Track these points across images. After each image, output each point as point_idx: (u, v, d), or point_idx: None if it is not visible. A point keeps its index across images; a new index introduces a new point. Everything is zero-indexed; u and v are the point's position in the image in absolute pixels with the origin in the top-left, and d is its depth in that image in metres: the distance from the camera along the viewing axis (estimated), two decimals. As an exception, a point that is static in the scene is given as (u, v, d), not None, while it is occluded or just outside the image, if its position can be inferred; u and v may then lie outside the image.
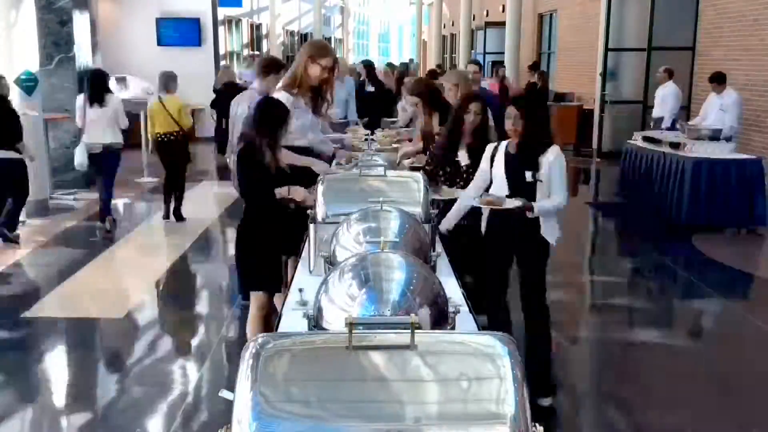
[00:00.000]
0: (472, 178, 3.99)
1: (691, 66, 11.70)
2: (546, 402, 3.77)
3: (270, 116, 3.60)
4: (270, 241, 3.69)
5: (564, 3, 17.00)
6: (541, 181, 3.61)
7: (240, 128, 4.03)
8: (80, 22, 9.87)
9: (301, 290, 2.55)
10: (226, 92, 9.39)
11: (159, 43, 14.76)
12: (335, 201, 3.07)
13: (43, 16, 9.30)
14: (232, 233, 6.71)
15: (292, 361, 1.38)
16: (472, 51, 23.47)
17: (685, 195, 7.67)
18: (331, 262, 2.49)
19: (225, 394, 1.41)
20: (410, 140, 5.57)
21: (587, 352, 4.94)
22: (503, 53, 17.24)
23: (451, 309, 1.97)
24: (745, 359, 4.66)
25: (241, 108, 4.89)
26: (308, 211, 3.18)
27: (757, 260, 7.14)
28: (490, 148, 3.84)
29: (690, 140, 8.19)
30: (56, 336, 5.00)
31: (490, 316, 3.85)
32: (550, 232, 3.72)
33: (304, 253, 3.21)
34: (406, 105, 6.26)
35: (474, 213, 3.93)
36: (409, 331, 1.35)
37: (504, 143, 3.78)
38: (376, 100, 8.98)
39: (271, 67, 4.97)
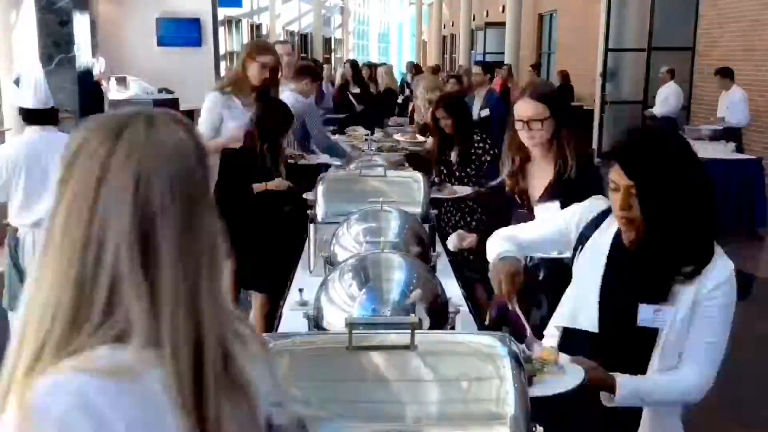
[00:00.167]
0: (462, 175, 4.08)
1: (691, 66, 11.70)
2: None
3: (271, 119, 3.56)
4: (262, 241, 3.67)
5: (564, 3, 17.00)
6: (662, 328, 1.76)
7: None
8: (80, 22, 9.87)
9: (301, 290, 2.55)
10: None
11: (159, 43, 14.74)
12: (335, 201, 3.07)
13: (43, 17, 9.30)
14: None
15: (292, 361, 1.39)
16: (472, 51, 23.47)
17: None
18: (331, 262, 2.50)
19: None
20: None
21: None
22: (503, 53, 17.24)
23: (451, 309, 1.97)
24: (746, 359, 4.66)
25: None
26: (308, 212, 3.18)
27: (757, 260, 7.13)
28: (589, 209, 2.01)
29: (690, 140, 8.18)
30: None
31: None
32: None
33: (304, 253, 3.21)
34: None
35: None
36: (409, 331, 1.35)
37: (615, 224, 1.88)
38: (375, 100, 8.93)
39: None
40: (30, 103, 3.50)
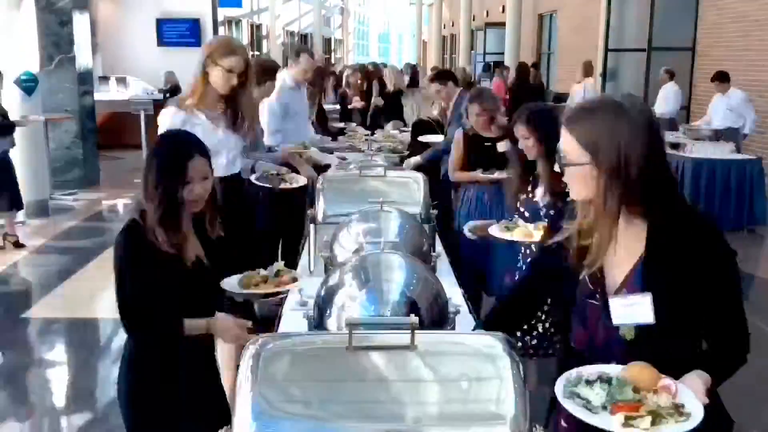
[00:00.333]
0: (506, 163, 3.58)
1: (691, 66, 11.70)
2: None
3: (160, 167, 2.15)
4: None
5: (564, 3, 17.00)
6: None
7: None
8: (80, 22, 9.87)
9: (301, 290, 2.55)
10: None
11: (159, 44, 14.75)
12: (335, 201, 3.07)
13: (43, 17, 9.30)
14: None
15: (292, 361, 1.39)
16: (472, 51, 23.48)
17: (685, 195, 7.65)
18: (331, 263, 2.50)
19: None
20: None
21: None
22: (503, 53, 17.24)
23: (451, 309, 1.97)
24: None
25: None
26: (308, 211, 3.18)
27: (757, 260, 7.13)
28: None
29: (690, 141, 8.19)
30: (56, 336, 5.01)
31: None
32: None
33: (304, 253, 3.21)
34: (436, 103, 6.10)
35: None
36: (409, 331, 1.35)
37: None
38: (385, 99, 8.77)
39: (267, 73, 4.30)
40: None
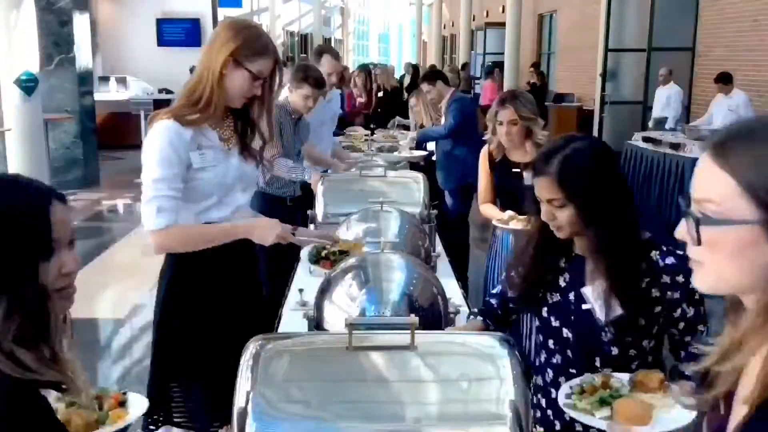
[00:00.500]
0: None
1: (691, 66, 11.69)
2: None
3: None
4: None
5: (564, 3, 16.99)
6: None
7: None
8: (80, 22, 9.87)
9: (301, 290, 2.55)
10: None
11: (159, 44, 14.76)
12: (335, 201, 3.07)
13: (43, 17, 9.30)
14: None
15: (292, 361, 1.39)
16: (472, 51, 23.48)
17: (686, 195, 7.66)
18: (331, 263, 2.50)
19: None
20: None
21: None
22: (503, 54, 17.23)
23: (451, 309, 1.97)
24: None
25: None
26: (309, 212, 3.18)
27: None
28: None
29: (690, 141, 8.19)
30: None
31: None
32: None
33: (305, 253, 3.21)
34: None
35: None
36: (409, 331, 1.35)
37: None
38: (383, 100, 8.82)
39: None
40: None
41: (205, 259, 2.23)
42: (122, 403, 1.70)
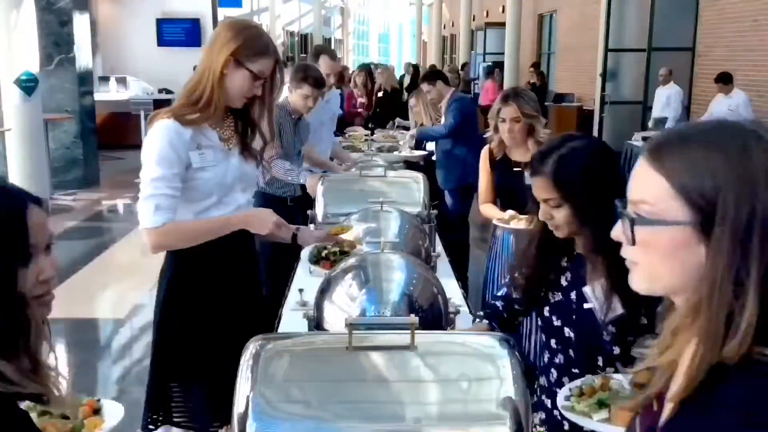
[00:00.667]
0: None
1: (691, 66, 11.70)
2: None
3: None
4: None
5: (564, 3, 16.99)
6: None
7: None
8: (80, 22, 9.87)
9: (301, 290, 2.55)
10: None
11: (159, 44, 14.76)
12: (335, 201, 3.07)
13: (43, 17, 9.30)
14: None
15: (292, 361, 1.39)
16: (472, 51, 23.49)
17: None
18: (331, 263, 2.50)
19: None
20: None
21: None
22: (503, 54, 17.24)
23: (451, 309, 1.97)
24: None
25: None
26: (309, 212, 3.18)
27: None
28: None
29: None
30: (56, 336, 5.00)
31: None
32: None
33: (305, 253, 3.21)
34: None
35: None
36: (409, 331, 1.35)
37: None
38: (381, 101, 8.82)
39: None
40: None
41: (205, 259, 2.24)
42: (97, 411, 1.66)
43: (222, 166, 2.24)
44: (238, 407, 1.29)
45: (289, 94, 3.84)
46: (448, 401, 1.33)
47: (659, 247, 0.92)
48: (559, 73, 17.49)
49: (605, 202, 1.67)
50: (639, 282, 0.97)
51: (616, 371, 1.73)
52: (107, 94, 12.99)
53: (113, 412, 1.65)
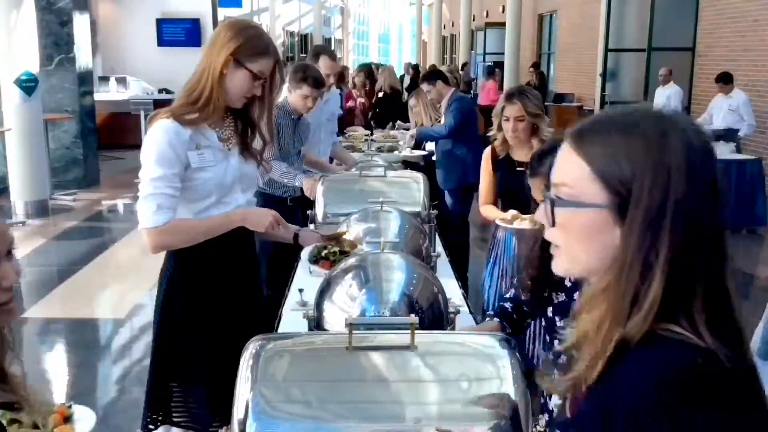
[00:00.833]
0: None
1: (691, 66, 11.70)
2: None
3: None
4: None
5: (564, 3, 17.00)
6: None
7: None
8: (80, 22, 9.87)
9: (301, 290, 2.55)
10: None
11: (159, 44, 14.76)
12: (335, 201, 3.07)
13: (43, 17, 9.30)
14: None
15: (292, 361, 1.39)
16: (472, 51, 23.49)
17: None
18: (331, 263, 2.50)
19: None
20: None
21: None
22: (503, 54, 17.24)
23: (451, 309, 1.97)
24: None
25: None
26: (308, 212, 3.18)
27: (756, 260, 7.13)
28: None
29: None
30: (56, 336, 5.00)
31: None
32: None
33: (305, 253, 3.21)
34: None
35: None
36: (409, 331, 1.35)
37: None
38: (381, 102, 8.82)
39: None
40: None
41: (205, 259, 2.24)
42: (68, 418, 1.61)
43: (221, 167, 2.23)
44: (238, 407, 1.29)
45: (289, 94, 3.83)
46: (448, 401, 1.33)
47: (577, 228, 0.95)
48: (559, 73, 17.50)
49: None
50: (560, 264, 1.00)
51: None
52: (107, 94, 12.98)
53: (85, 418, 1.60)
